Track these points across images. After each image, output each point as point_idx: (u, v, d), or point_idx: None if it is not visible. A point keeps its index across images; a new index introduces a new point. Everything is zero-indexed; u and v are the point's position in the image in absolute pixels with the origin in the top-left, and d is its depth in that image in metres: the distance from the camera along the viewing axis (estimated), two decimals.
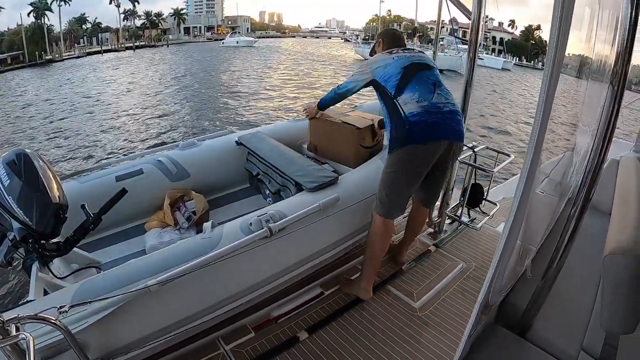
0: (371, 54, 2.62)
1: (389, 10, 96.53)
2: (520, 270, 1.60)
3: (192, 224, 2.61)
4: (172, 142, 3.70)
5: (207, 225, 2.03)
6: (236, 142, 3.16)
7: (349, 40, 70.42)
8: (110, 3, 67.46)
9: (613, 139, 3.39)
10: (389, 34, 2.65)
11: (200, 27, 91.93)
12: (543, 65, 0.93)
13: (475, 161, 2.97)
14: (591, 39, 1.50)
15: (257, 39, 67.25)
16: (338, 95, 2.55)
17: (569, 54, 1.10)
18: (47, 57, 42.03)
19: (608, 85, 1.29)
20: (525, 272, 1.63)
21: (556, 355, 1.49)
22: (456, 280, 2.64)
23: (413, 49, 2.44)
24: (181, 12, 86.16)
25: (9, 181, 1.68)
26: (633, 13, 1.17)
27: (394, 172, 2.18)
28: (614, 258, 1.21)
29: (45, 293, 1.65)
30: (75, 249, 1.91)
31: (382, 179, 2.25)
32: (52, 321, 1.19)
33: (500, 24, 72.12)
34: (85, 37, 59.34)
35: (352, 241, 2.43)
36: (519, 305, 1.58)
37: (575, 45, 1.40)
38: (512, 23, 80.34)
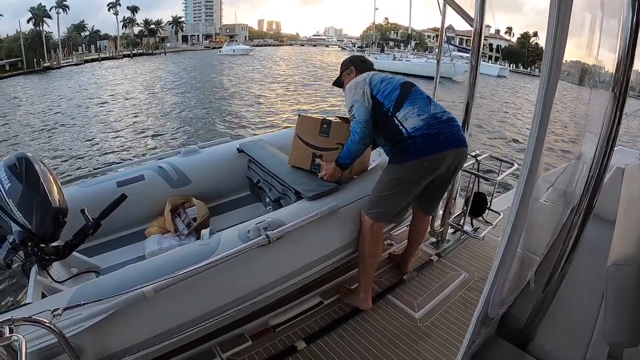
0: (339, 83, 2.57)
1: (386, 19, 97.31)
2: (523, 281, 1.57)
3: (192, 230, 2.61)
4: (173, 149, 3.71)
5: (205, 232, 2.03)
6: (237, 149, 3.18)
7: (345, 49, 70.83)
8: (109, 10, 68.65)
9: (619, 147, 3.38)
10: (360, 60, 2.59)
11: (198, 36, 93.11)
12: (540, 72, 0.92)
13: (478, 170, 2.96)
14: (593, 45, 1.49)
15: (253, 48, 68.50)
16: (358, 148, 2.20)
17: (567, 61, 1.09)
18: (45, 65, 42.35)
19: (610, 92, 1.27)
20: (528, 283, 1.61)
21: None
22: (458, 290, 2.60)
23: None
24: (179, 20, 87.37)
25: (10, 184, 1.69)
26: (634, 18, 1.16)
27: (392, 180, 2.16)
28: (618, 268, 1.18)
29: (44, 296, 1.65)
30: (74, 253, 1.91)
31: (379, 182, 2.24)
32: (46, 324, 1.18)
33: (497, 31, 72.52)
34: (83, 45, 60.02)
35: (351, 250, 2.41)
36: (520, 317, 1.55)
37: (574, 52, 1.39)
38: (509, 30, 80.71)
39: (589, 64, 1.62)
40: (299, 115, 2.64)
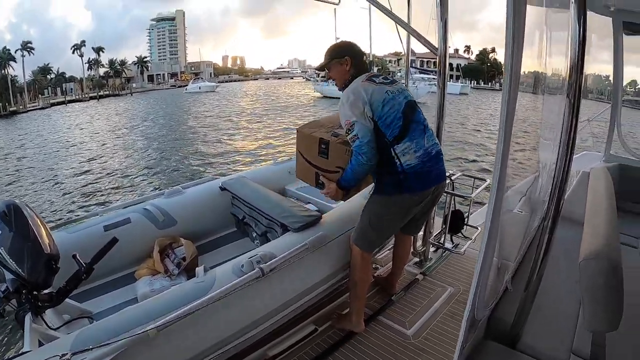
0: (330, 76, 2.29)
1: None
2: (501, 285, 1.67)
3: (182, 270, 2.62)
4: (156, 190, 3.75)
5: (199, 269, 2.07)
6: (220, 187, 3.25)
7: (309, 80, 72.21)
8: (74, 52, 68.47)
9: (585, 152, 3.59)
10: (357, 52, 2.27)
11: (163, 74, 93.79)
12: (501, 86, 1.06)
13: (453, 189, 3.10)
14: (544, 57, 1.66)
15: (218, 84, 69.10)
16: (364, 170, 2.07)
17: (524, 72, 1.25)
18: (11, 109, 42.03)
19: (565, 98, 1.42)
20: (507, 287, 1.71)
21: None
22: (445, 305, 2.68)
23: (392, 79, 2.26)
24: (144, 59, 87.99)
25: (0, 232, 1.70)
26: (581, 29, 1.33)
27: (381, 212, 2.21)
28: (588, 263, 1.30)
29: (40, 344, 1.63)
30: (66, 299, 1.90)
31: (366, 213, 2.27)
32: None
33: (456, 50, 76.04)
34: (49, 88, 59.77)
35: (341, 275, 2.47)
36: (507, 319, 1.64)
37: (529, 64, 1.56)
38: (468, 48, 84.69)
39: (541, 74, 1.78)
40: (298, 131, 2.46)
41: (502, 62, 1.61)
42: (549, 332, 1.65)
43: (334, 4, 3.21)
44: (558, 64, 1.66)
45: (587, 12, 2.67)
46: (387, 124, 2.03)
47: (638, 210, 3.01)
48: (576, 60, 1.38)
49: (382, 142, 2.04)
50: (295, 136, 2.50)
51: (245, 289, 1.91)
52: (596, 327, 1.36)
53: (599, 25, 3.18)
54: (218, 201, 3.24)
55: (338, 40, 2.65)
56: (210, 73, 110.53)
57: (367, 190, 2.43)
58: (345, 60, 2.21)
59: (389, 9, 2.69)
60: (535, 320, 1.64)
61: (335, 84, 2.28)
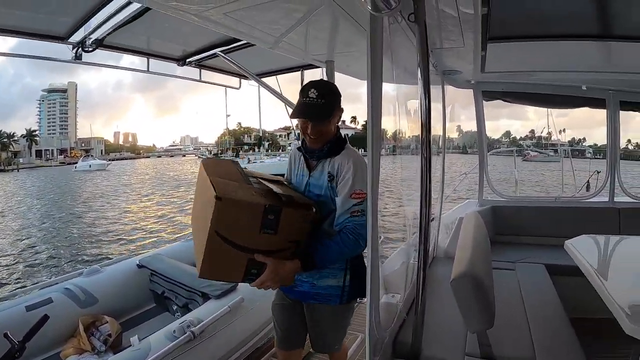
0: (314, 130, 1.71)
1: (239, 123, 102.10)
2: (395, 310, 2.10)
3: (108, 347, 2.67)
4: (74, 270, 3.71)
5: (134, 339, 2.24)
6: (137, 265, 3.38)
7: (201, 157, 71.88)
8: None
9: (467, 201, 4.31)
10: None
11: (52, 150, 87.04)
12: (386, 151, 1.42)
13: None
14: (400, 126, 2.19)
15: (109, 162, 65.37)
16: (356, 254, 1.75)
17: (404, 137, 1.71)
18: None
19: (420, 156, 1.74)
20: (399, 311, 2.14)
21: None
22: (361, 346, 2.96)
23: None
24: (33, 133, 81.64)
25: None
26: (427, 99, 1.71)
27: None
28: (457, 281, 1.77)
29: None
30: None
31: (343, 320, 1.95)
32: None
33: (343, 121, 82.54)
34: None
35: (262, 334, 2.74)
36: (407, 340, 2.03)
37: (395, 130, 2.10)
38: (354, 119, 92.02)
39: (407, 138, 2.28)
40: (219, 199, 1.44)
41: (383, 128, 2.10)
42: (444, 343, 2.07)
43: (235, 88, 3.60)
44: (413, 129, 2.13)
45: (449, 86, 3.50)
46: None
47: (508, 241, 3.76)
48: (425, 123, 1.74)
49: None
50: (214, 208, 1.45)
51: (178, 353, 2.11)
52: (475, 328, 1.84)
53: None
54: (136, 278, 3.35)
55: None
56: (101, 150, 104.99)
57: None
58: (340, 110, 1.79)
59: (279, 90, 3.12)
60: (432, 336, 2.04)
61: (309, 139, 1.74)
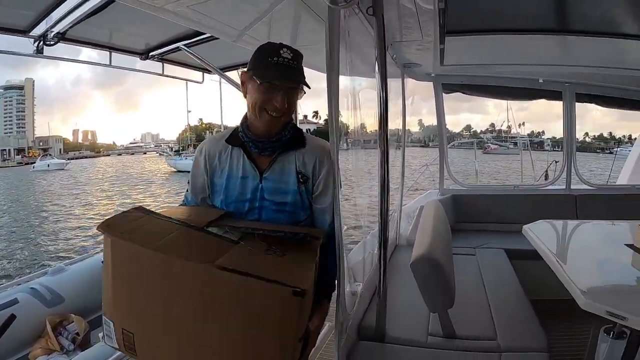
0: (285, 104, 1.27)
1: (200, 119, 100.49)
2: (359, 296, 2.17)
3: (77, 345, 2.64)
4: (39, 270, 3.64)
5: (102, 335, 2.19)
6: (102, 262, 3.32)
7: (162, 154, 68.83)
8: None
9: (430, 191, 4.43)
10: None
11: (9, 150, 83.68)
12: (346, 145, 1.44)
13: None
14: (363, 119, 2.25)
15: (69, 161, 62.27)
16: None
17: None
18: None
19: (378, 148, 1.81)
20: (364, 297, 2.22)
21: (411, 345, 2.00)
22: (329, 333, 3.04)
23: None
24: None
25: None
26: (384, 93, 1.77)
27: None
28: (416, 262, 1.86)
29: None
30: None
31: None
32: None
33: (305, 116, 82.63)
34: None
35: None
36: (372, 323, 2.09)
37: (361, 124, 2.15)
38: (316, 114, 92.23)
39: (369, 132, 2.30)
40: (301, 293, 1.02)
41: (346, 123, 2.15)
42: (408, 324, 2.14)
43: (198, 82, 3.56)
44: (371, 123, 2.16)
45: (409, 79, 3.55)
46: None
47: (469, 228, 3.90)
48: (382, 116, 1.81)
49: None
50: (261, 316, 1.03)
51: None
52: (435, 308, 1.93)
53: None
54: (102, 275, 3.29)
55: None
56: (60, 149, 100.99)
57: None
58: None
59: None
60: (396, 319, 2.11)
61: (270, 119, 1.26)
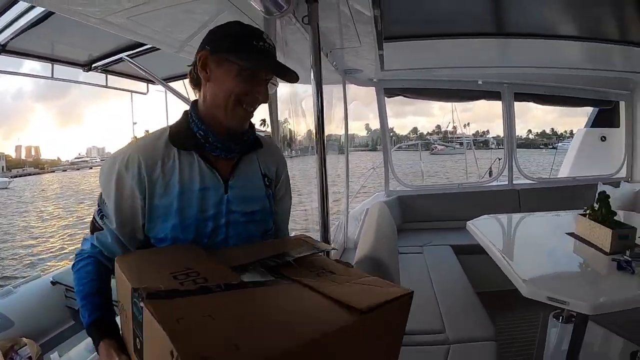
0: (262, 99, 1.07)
1: (147, 131, 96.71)
2: None
3: None
4: None
5: (54, 355, 2.13)
6: (51, 282, 3.22)
7: None
8: None
9: (377, 193, 4.55)
10: None
11: None
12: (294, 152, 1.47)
13: None
14: (307, 127, 2.29)
15: (12, 179, 59.16)
16: None
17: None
18: None
19: (317, 155, 1.83)
20: None
21: None
22: None
23: None
24: None
25: None
26: (319, 100, 1.81)
27: None
28: (358, 263, 1.91)
29: None
30: None
31: None
32: None
33: (253, 125, 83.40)
34: None
35: None
36: None
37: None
38: (264, 122, 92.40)
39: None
40: (368, 310, 0.71)
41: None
42: None
43: (142, 93, 3.52)
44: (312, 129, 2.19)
45: (351, 85, 3.63)
46: None
47: (415, 227, 3.99)
48: (319, 123, 1.83)
49: None
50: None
51: None
52: None
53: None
54: (52, 295, 3.16)
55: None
56: (2, 167, 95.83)
57: None
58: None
59: (187, 95, 2.95)
60: None
61: (245, 113, 1.01)
